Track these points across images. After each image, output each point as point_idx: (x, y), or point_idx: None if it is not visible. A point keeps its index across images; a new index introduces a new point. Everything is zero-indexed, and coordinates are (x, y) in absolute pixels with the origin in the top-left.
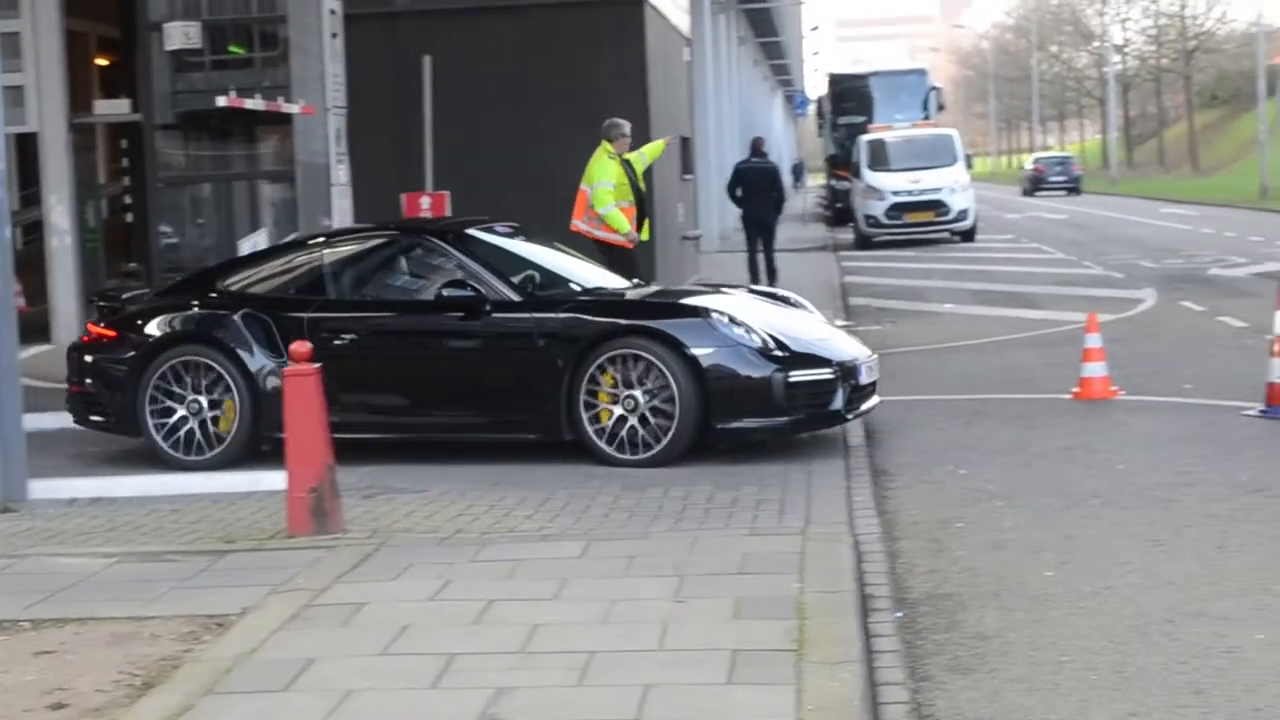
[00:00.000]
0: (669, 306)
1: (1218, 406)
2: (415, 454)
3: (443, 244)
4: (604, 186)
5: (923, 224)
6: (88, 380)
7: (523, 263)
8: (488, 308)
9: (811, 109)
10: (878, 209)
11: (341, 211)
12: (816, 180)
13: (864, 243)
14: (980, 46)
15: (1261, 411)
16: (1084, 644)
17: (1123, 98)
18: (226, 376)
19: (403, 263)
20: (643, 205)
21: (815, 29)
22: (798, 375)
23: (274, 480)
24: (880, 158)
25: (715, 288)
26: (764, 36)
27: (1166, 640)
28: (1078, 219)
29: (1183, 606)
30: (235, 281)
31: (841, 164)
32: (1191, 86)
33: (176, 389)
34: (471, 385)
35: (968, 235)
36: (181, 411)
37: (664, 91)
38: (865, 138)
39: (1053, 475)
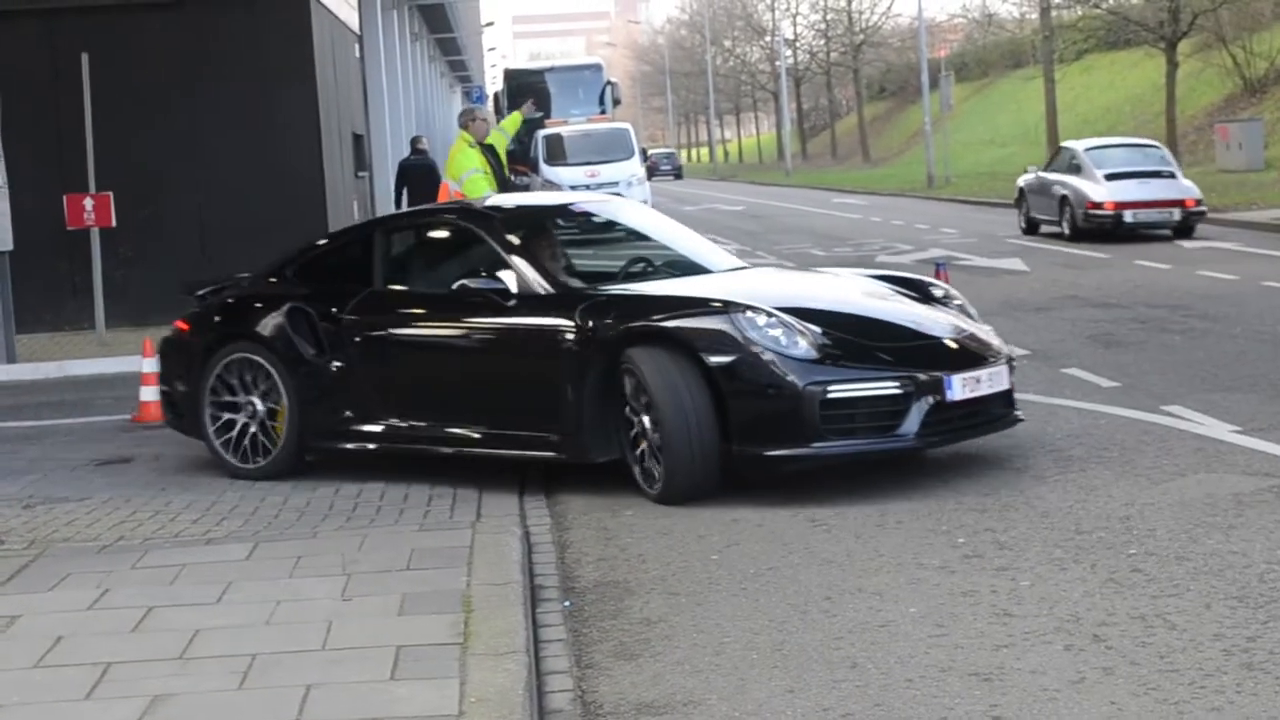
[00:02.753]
0: (690, 302)
1: None
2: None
3: (474, 226)
4: (474, 175)
5: None
6: (167, 378)
7: (630, 248)
8: (512, 303)
9: (490, 104)
10: None
11: (1, 214)
12: None
13: None
14: (656, 42)
15: None
16: (746, 624)
17: (795, 91)
18: (275, 376)
19: (448, 249)
20: (506, 190)
21: (491, 24)
22: (841, 389)
23: None
24: (558, 152)
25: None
26: (439, 32)
27: (825, 617)
28: (753, 210)
29: (841, 583)
30: (300, 267)
31: (520, 159)
32: (860, 80)
33: (235, 389)
34: (492, 390)
35: None
36: (239, 414)
37: (335, 89)
38: (542, 133)
39: None
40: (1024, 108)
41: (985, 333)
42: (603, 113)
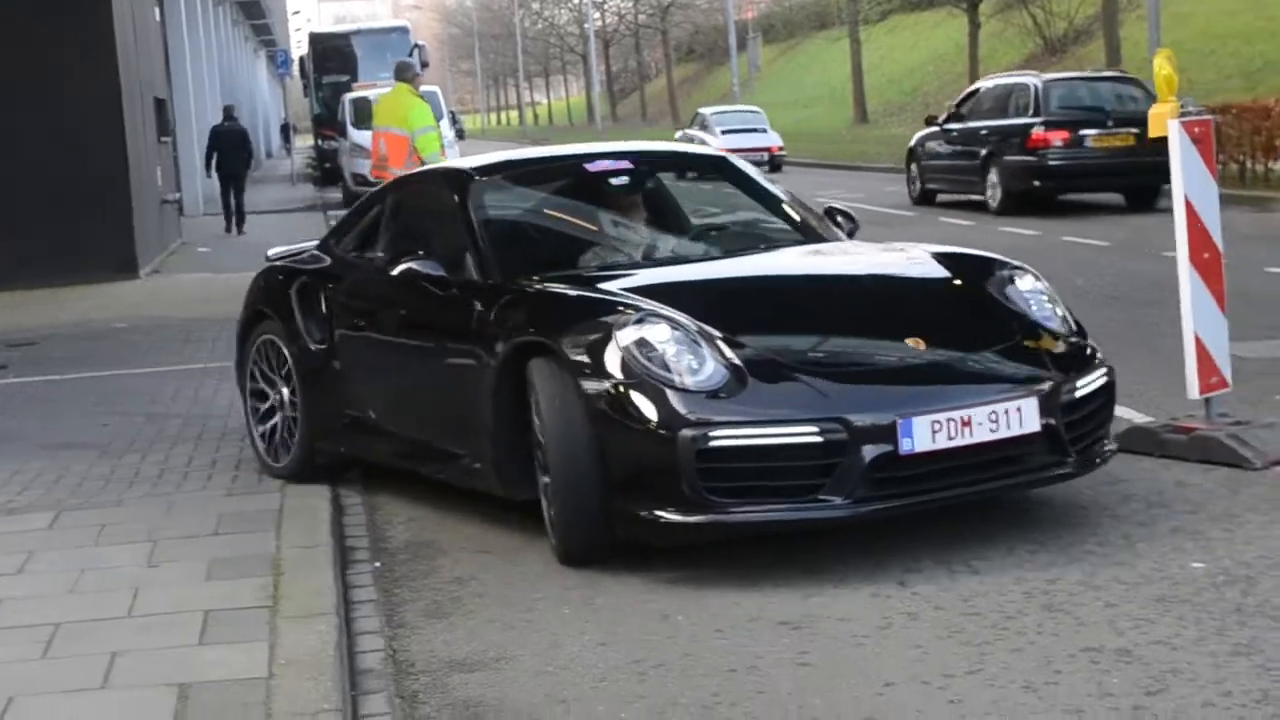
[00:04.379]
0: (598, 305)
1: None
2: None
3: (453, 192)
4: (429, 131)
5: None
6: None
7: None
8: (451, 292)
9: (295, 69)
10: (364, 167)
11: None
12: (305, 141)
13: (352, 201)
14: (464, 4)
15: None
16: (557, 581)
17: (603, 53)
18: (290, 364)
19: (435, 219)
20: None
21: None
22: (729, 435)
23: None
24: (365, 116)
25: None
26: None
27: (636, 573)
28: None
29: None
30: (343, 233)
31: (327, 123)
32: (669, 42)
33: (268, 376)
34: (432, 401)
35: None
36: (270, 403)
37: (135, 56)
38: (349, 96)
39: None
40: (830, 69)
41: (1060, 341)
42: None
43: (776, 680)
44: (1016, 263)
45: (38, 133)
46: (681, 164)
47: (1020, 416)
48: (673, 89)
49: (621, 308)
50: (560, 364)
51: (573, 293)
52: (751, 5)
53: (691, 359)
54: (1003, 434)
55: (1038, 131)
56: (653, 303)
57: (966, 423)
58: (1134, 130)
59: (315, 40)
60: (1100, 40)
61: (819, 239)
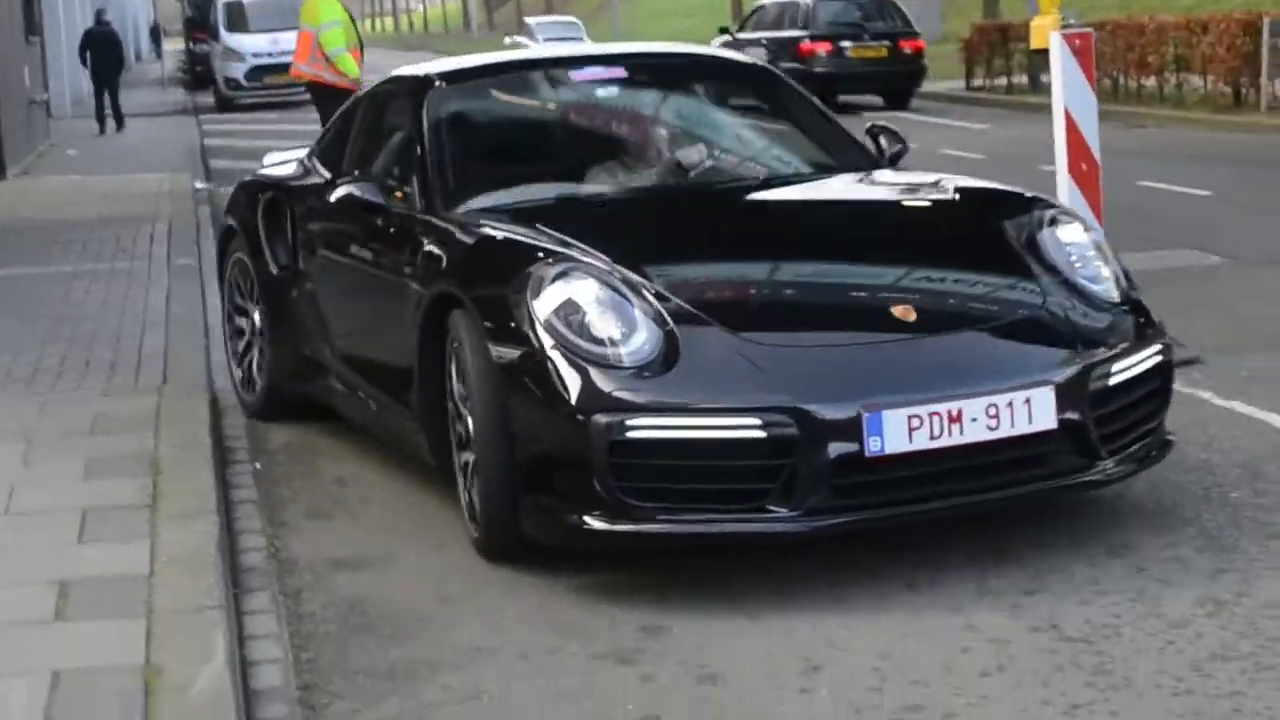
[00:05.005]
0: (520, 250)
1: None
2: None
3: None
4: (334, 27)
5: (283, 86)
6: None
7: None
8: (392, 228)
9: None
10: (238, 71)
11: None
12: (176, 45)
13: (226, 105)
14: None
15: None
16: (438, 484)
17: None
18: (258, 289)
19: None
20: (361, 49)
21: None
22: (650, 425)
23: None
24: (239, 20)
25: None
26: None
27: None
28: None
29: None
30: (320, 144)
31: (199, 26)
32: None
33: (241, 300)
34: (379, 348)
35: None
36: (245, 329)
37: None
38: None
39: None
40: None
41: (1104, 310)
42: None
43: (658, 560)
44: (1063, 206)
45: None
46: (695, 72)
47: (1030, 410)
48: None
49: (543, 254)
50: (474, 322)
51: (493, 233)
52: None
53: (619, 324)
54: (1005, 432)
55: (805, 43)
56: (584, 248)
57: (956, 417)
58: (887, 43)
59: None
60: None
61: (848, 169)
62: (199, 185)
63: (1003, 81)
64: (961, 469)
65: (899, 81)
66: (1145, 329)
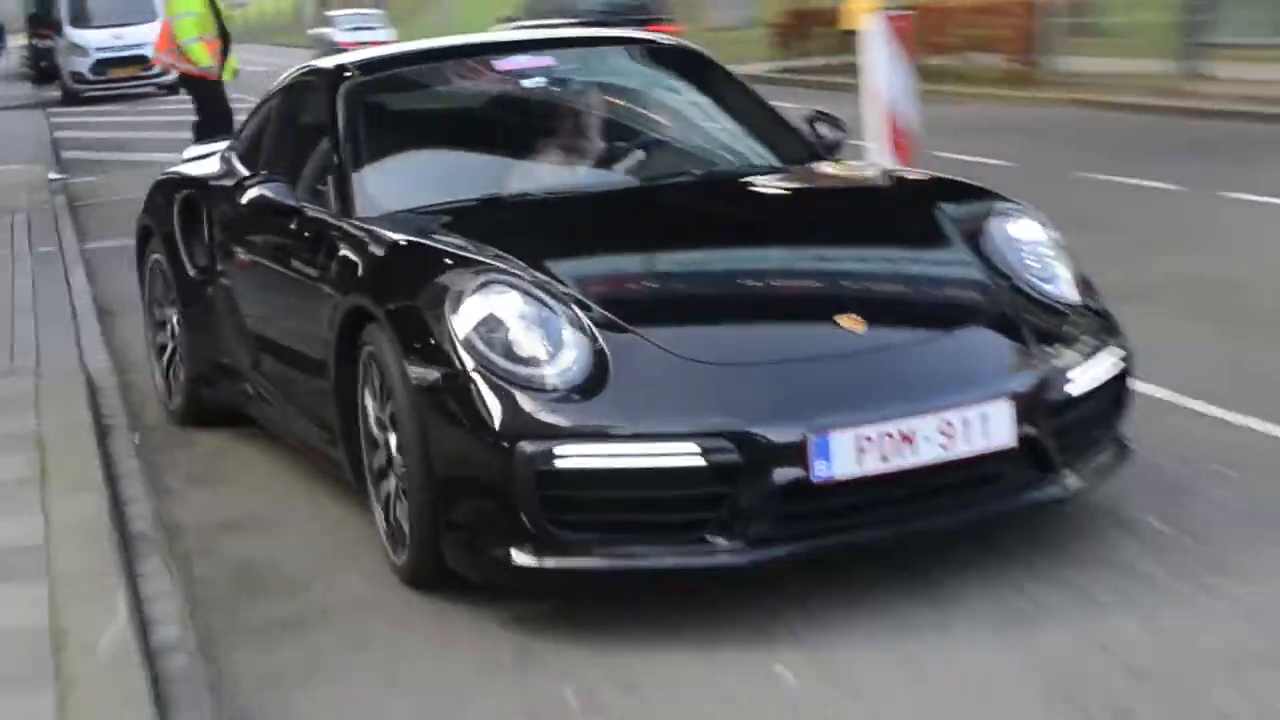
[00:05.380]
0: (444, 259)
1: None
2: None
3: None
4: (187, 17)
5: (129, 79)
6: None
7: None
8: (305, 232)
9: None
10: (83, 65)
11: None
12: (18, 42)
13: (72, 99)
14: None
15: None
16: None
17: None
18: (173, 290)
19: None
20: (227, 41)
21: None
22: (579, 454)
23: None
24: (82, 15)
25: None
26: None
27: None
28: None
29: None
30: (238, 144)
31: (43, 22)
32: None
33: (159, 304)
34: (291, 361)
35: (173, 89)
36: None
37: None
38: None
39: None
40: None
41: (1062, 314)
42: None
43: None
44: (1016, 202)
45: None
46: (627, 57)
47: (986, 427)
48: None
49: (463, 264)
50: (390, 339)
51: (408, 239)
52: None
53: (545, 342)
54: (960, 452)
55: None
56: (508, 256)
57: (908, 438)
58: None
59: None
60: None
61: (788, 160)
62: (53, 176)
63: (812, 63)
64: (914, 493)
65: None
66: (1103, 333)
